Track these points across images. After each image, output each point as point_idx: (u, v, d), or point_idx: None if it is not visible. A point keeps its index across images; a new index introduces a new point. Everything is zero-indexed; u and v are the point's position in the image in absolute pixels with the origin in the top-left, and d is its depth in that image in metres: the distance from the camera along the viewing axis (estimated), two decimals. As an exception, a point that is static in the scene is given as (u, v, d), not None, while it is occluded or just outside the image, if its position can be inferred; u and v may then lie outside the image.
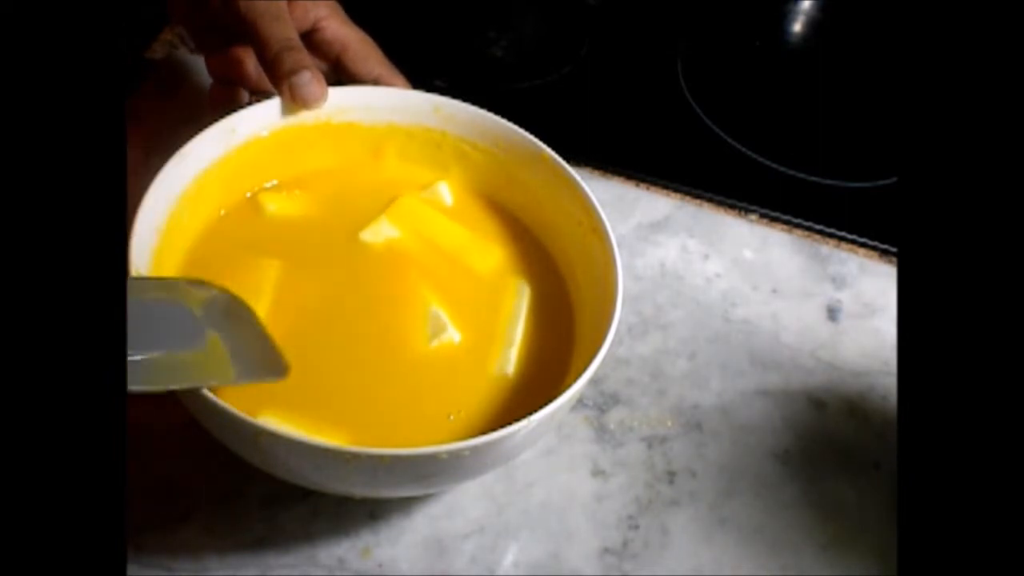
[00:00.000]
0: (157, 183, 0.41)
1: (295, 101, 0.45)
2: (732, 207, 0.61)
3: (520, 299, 0.46)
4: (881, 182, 0.63)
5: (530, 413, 0.36)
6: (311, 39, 0.50)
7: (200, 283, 0.40)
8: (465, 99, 0.48)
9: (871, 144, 0.67)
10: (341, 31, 0.50)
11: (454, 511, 0.44)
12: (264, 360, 0.39)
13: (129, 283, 0.36)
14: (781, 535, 0.45)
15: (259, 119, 0.46)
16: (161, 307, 0.37)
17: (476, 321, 0.44)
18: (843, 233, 0.60)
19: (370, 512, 0.43)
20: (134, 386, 0.31)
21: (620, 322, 0.40)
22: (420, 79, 0.52)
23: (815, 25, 0.77)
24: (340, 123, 0.48)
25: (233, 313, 0.40)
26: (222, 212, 0.46)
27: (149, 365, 0.34)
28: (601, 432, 0.48)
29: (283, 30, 0.46)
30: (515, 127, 0.48)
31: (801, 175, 0.63)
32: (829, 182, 0.63)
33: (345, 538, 0.43)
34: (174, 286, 0.39)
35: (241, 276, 0.43)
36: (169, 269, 0.42)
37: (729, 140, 0.65)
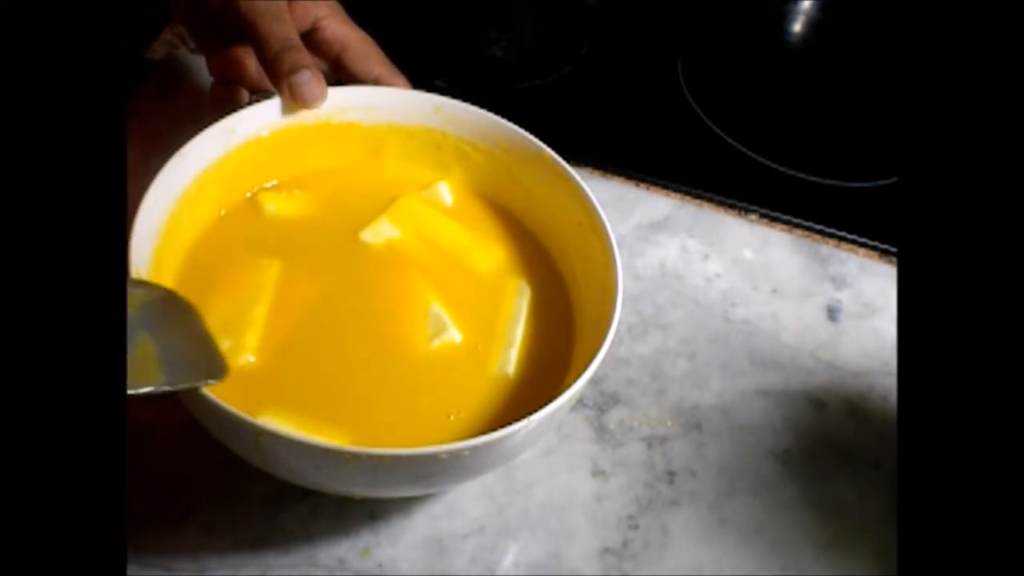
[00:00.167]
0: (157, 183, 0.41)
1: (295, 100, 0.45)
2: (732, 207, 0.61)
3: (520, 299, 0.46)
4: (881, 182, 0.63)
5: (530, 413, 0.36)
6: (311, 39, 0.50)
7: (143, 284, 0.39)
8: (465, 99, 0.48)
9: (871, 144, 0.67)
10: (341, 31, 0.50)
11: (454, 511, 0.44)
12: (201, 363, 0.38)
13: None
14: (781, 535, 0.45)
15: (259, 119, 0.46)
16: None
17: (476, 321, 0.44)
18: (843, 233, 0.60)
19: (370, 512, 0.43)
20: None
21: (620, 322, 0.40)
22: (420, 79, 0.52)
23: (815, 25, 0.77)
24: (340, 123, 0.48)
25: (172, 315, 0.39)
26: (222, 212, 0.46)
27: None
28: (601, 432, 0.48)
29: (283, 29, 0.46)
30: (515, 127, 0.48)
31: (801, 175, 0.63)
32: (829, 182, 0.63)
33: (345, 538, 0.43)
34: None
35: (241, 276, 0.44)
36: (169, 269, 0.42)
37: (729, 140, 0.65)
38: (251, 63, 0.48)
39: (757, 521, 0.46)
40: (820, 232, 0.60)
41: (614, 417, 0.49)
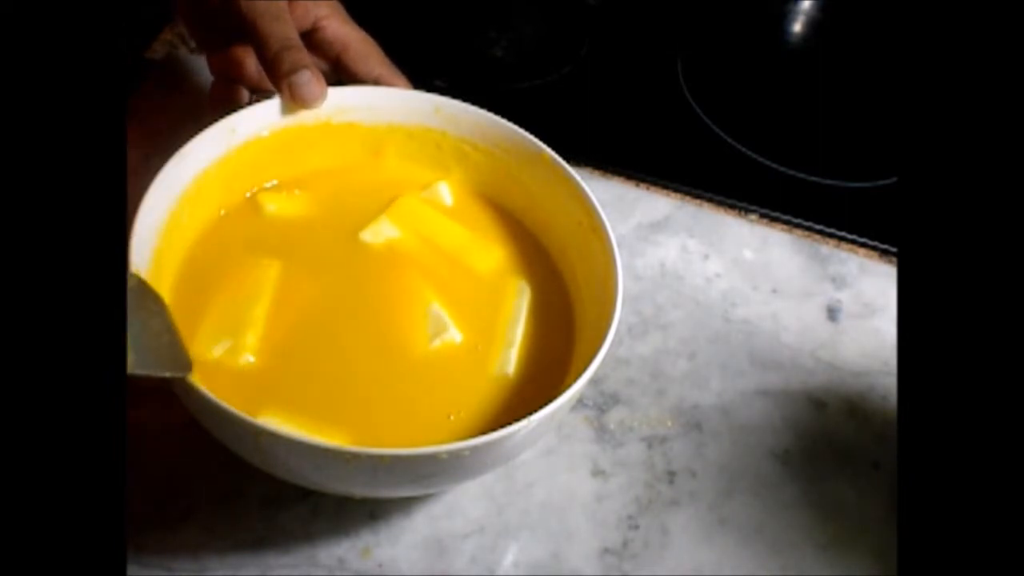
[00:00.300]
0: (157, 183, 0.41)
1: (295, 100, 0.45)
2: (732, 207, 0.61)
3: (520, 299, 0.46)
4: (881, 182, 0.63)
5: (530, 413, 0.36)
6: (312, 39, 0.50)
7: None
8: (465, 99, 0.48)
9: (871, 144, 0.67)
10: (342, 31, 0.50)
11: (454, 511, 0.44)
12: (166, 355, 0.38)
13: None
14: (781, 535, 0.45)
15: (259, 119, 0.46)
16: None
17: (476, 321, 0.44)
18: (843, 233, 0.60)
19: (370, 512, 0.43)
20: None
21: (620, 322, 0.40)
22: (420, 79, 0.52)
23: (815, 25, 0.77)
24: (340, 123, 0.48)
25: (140, 304, 0.38)
26: (222, 212, 0.46)
27: None
28: (601, 432, 0.48)
29: (283, 29, 0.46)
30: (515, 127, 0.48)
31: (801, 175, 0.63)
32: (829, 182, 0.63)
33: (345, 538, 0.43)
34: None
35: (241, 276, 0.44)
36: (169, 269, 0.42)
37: (729, 140, 0.65)
38: (251, 63, 0.48)
39: (757, 521, 0.46)
40: (820, 232, 0.60)
41: (614, 417, 0.49)
